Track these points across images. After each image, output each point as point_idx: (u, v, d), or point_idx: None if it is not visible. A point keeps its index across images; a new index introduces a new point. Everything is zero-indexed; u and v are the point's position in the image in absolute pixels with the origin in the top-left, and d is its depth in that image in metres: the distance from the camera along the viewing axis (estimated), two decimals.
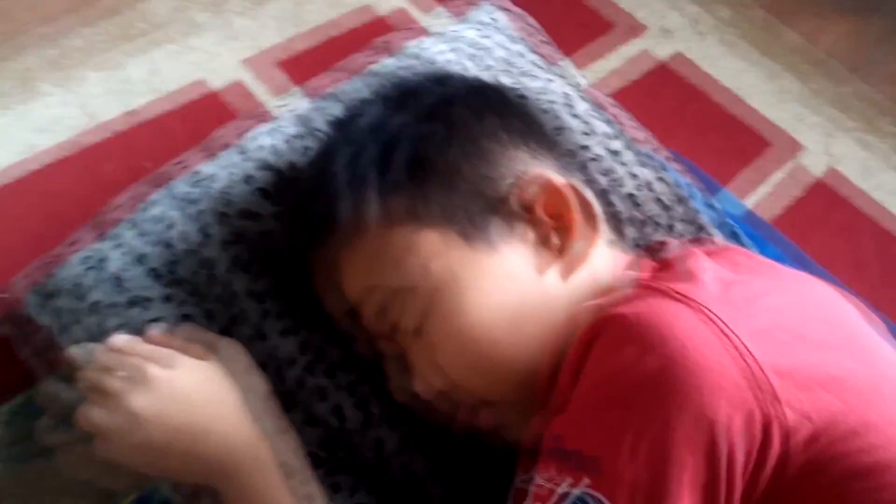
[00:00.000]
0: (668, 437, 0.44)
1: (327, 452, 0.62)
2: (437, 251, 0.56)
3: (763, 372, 0.45)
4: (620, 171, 0.74)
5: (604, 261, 0.59)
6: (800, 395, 0.45)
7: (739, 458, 0.43)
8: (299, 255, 0.62)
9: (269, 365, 0.61)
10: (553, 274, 0.57)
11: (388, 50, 0.83)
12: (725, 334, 0.46)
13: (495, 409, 0.58)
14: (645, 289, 0.52)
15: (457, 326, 0.55)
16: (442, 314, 0.55)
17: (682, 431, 0.44)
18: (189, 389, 0.54)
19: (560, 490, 0.46)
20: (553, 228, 0.58)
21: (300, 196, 0.63)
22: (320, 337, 0.63)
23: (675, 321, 0.47)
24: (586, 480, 0.45)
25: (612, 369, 0.47)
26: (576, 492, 0.45)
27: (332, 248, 0.58)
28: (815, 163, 1.10)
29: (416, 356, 0.58)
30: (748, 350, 0.45)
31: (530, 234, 0.57)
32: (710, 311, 0.47)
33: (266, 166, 0.70)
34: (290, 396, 0.61)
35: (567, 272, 0.57)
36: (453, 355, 0.56)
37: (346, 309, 0.60)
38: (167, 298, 0.64)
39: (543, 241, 0.58)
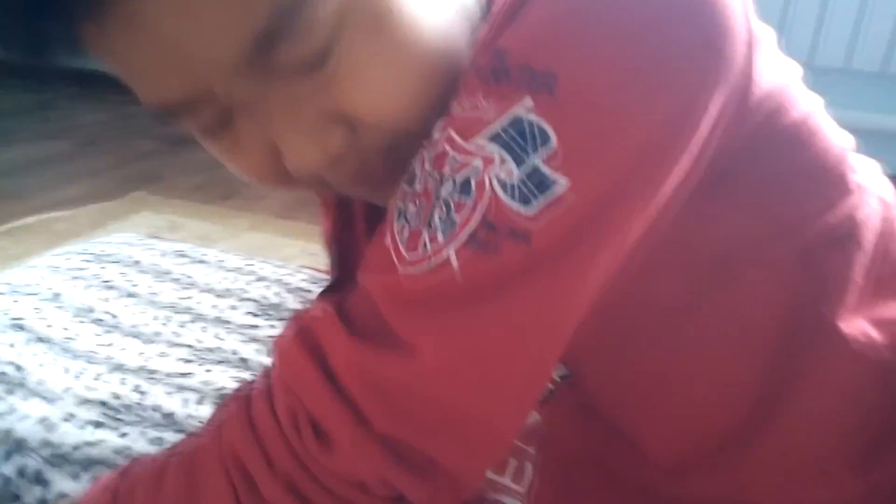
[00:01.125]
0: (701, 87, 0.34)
1: None
2: None
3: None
4: None
5: None
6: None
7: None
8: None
9: None
10: None
11: None
12: None
13: (394, 151, 0.41)
14: None
15: (388, 33, 0.37)
16: (363, 22, 0.37)
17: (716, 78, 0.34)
18: None
19: (483, 115, 0.33)
20: None
21: None
22: None
23: None
24: (527, 102, 0.32)
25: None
26: (506, 116, 0.33)
27: None
28: None
29: (299, 114, 0.38)
30: None
31: None
32: None
33: None
34: None
35: None
36: (382, 77, 0.38)
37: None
38: None
39: None
